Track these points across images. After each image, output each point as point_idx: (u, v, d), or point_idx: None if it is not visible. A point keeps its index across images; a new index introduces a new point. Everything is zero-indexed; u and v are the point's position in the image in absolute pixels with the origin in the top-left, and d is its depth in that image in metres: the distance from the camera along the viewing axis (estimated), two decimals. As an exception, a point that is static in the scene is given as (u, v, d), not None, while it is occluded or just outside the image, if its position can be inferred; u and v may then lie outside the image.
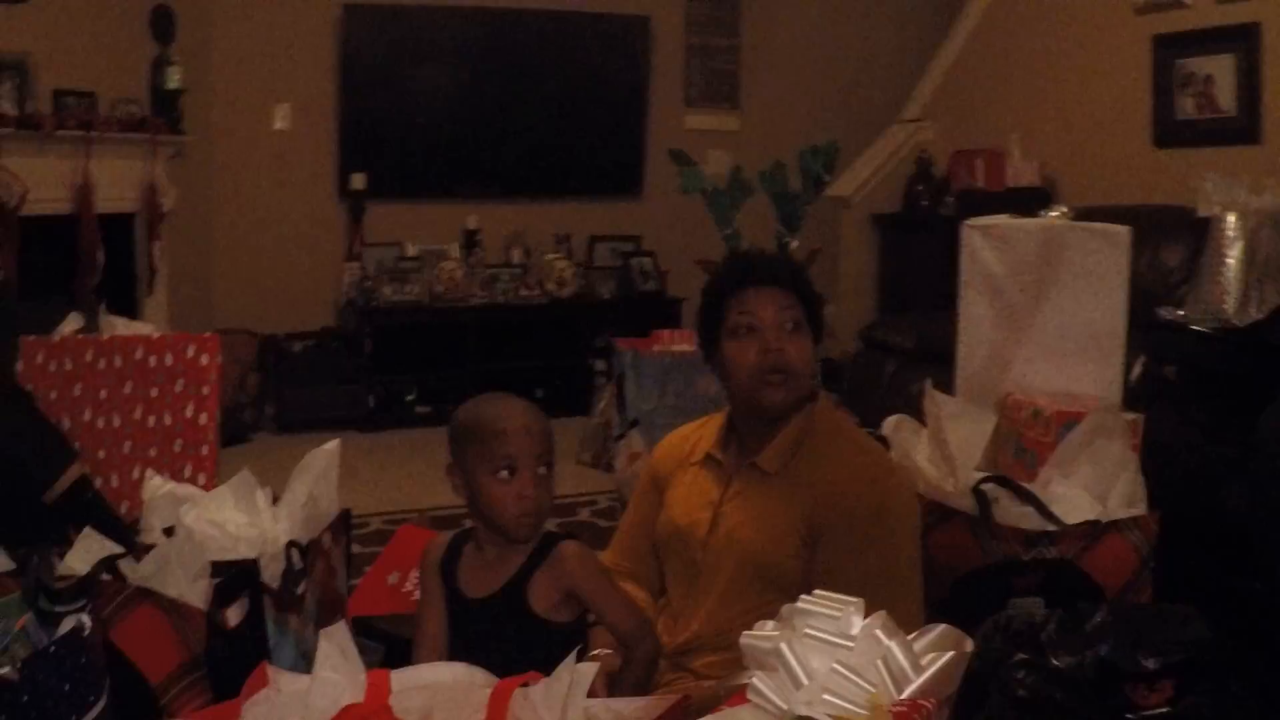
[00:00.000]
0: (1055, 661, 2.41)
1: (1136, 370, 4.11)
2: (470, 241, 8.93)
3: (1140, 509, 3.23)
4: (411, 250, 8.79)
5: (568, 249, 9.16)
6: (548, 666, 1.91)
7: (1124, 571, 3.13)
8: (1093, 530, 3.13)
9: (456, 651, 2.27)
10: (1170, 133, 6.58)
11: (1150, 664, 2.35)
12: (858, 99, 9.32)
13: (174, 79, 7.58)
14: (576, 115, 9.10)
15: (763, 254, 3.21)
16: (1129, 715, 2.30)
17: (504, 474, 2.52)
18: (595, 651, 2.69)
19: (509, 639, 2.50)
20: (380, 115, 8.65)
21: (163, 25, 7.62)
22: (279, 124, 8.53)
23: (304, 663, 2.60)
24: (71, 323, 4.33)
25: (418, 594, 3.59)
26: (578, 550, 2.63)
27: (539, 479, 2.57)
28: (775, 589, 2.72)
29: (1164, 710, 2.31)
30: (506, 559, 2.58)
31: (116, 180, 7.16)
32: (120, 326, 4.30)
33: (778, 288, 2.93)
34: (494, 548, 2.59)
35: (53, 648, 2.12)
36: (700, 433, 3.17)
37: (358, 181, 8.60)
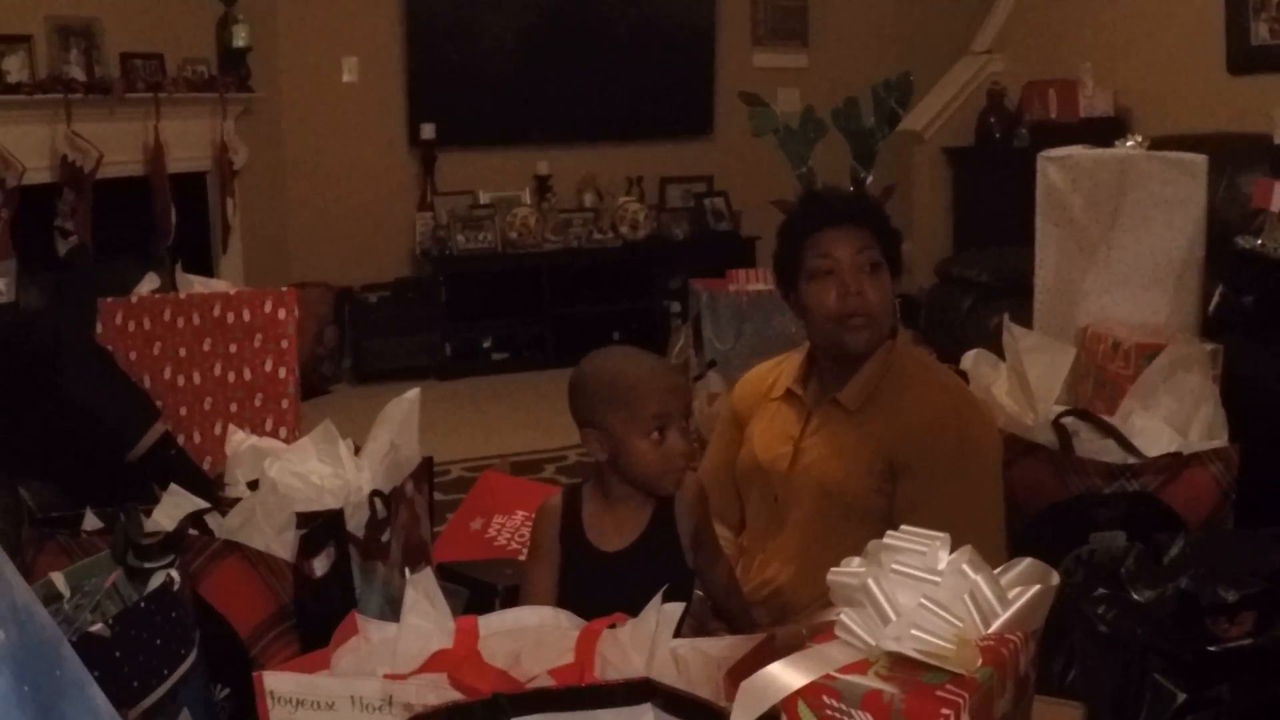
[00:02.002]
0: (1136, 595, 2.41)
1: (1215, 300, 4.08)
2: (542, 187, 8.93)
3: (1221, 440, 3.21)
4: (484, 198, 8.80)
5: (640, 191, 9.13)
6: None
7: (1205, 504, 3.11)
8: (1174, 463, 3.11)
9: (592, 605, 2.21)
10: (1245, 59, 6.47)
11: (1230, 596, 2.34)
12: (927, 32, 9.22)
13: (240, 37, 7.60)
14: (645, 57, 9.06)
15: (837, 192, 3.19)
16: (1211, 648, 2.29)
17: (655, 435, 2.47)
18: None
19: (656, 587, 2.46)
20: (448, 64, 8.65)
21: (227, -16, 7.65)
22: (347, 77, 8.54)
23: (390, 610, 2.62)
24: (148, 283, 4.37)
25: (501, 539, 3.63)
26: (699, 482, 2.62)
27: (685, 433, 2.54)
28: (856, 523, 2.73)
29: (1246, 642, 2.30)
30: (640, 509, 2.55)
31: (187, 140, 7.22)
32: (197, 285, 4.33)
33: (854, 227, 2.91)
34: (627, 501, 2.55)
35: (143, 603, 2.15)
36: (780, 369, 3.17)
37: (427, 131, 8.61)
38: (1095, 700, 2.35)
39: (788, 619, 2.78)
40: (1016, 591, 1.53)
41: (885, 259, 2.92)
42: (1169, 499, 3.10)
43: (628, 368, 2.54)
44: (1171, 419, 3.27)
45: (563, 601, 2.48)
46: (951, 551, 1.57)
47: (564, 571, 2.53)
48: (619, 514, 2.55)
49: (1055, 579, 1.59)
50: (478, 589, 3.14)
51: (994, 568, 1.60)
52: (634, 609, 1.92)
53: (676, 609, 1.87)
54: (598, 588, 2.48)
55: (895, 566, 1.51)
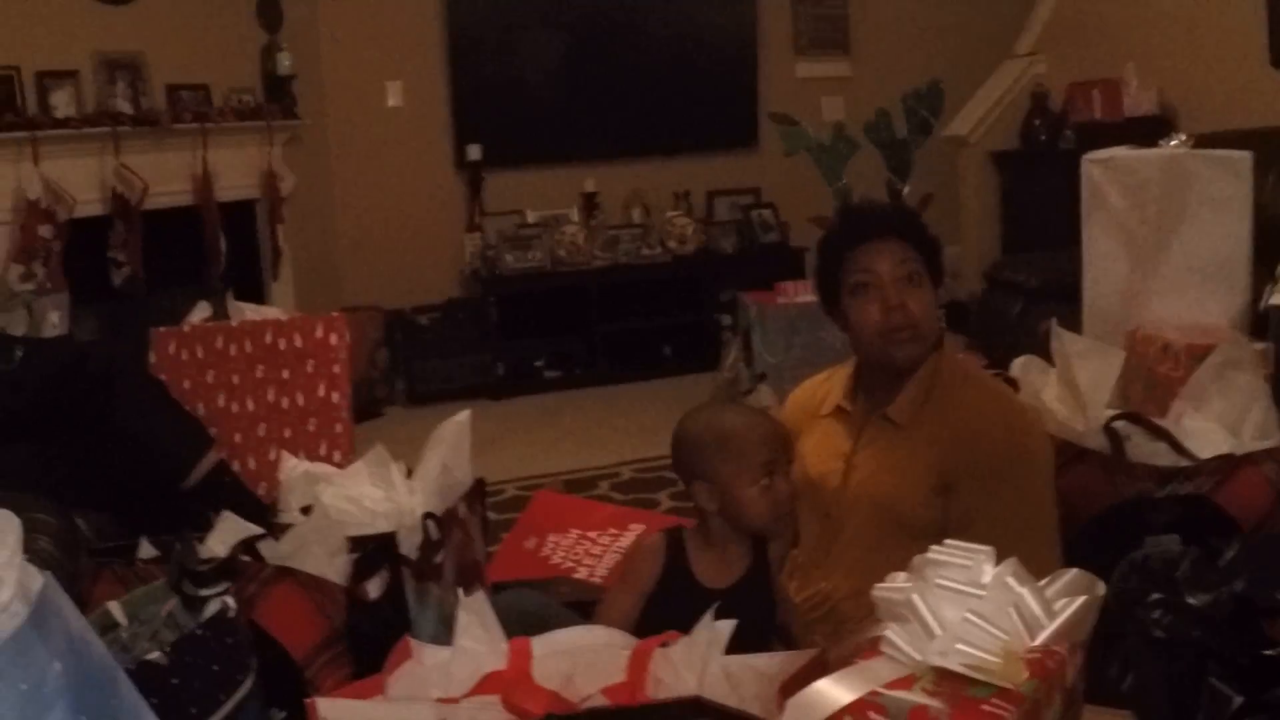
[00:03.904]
0: (1191, 600, 2.39)
1: (1265, 298, 4.05)
2: (589, 204, 8.95)
3: (1274, 440, 3.18)
4: (531, 217, 8.82)
5: (687, 205, 9.13)
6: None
7: (1260, 504, 3.08)
8: (1227, 464, 3.08)
9: None
10: (1288, 51, 6.44)
11: (1287, 599, 2.32)
12: (969, 36, 9.19)
13: (285, 64, 7.65)
14: (687, 70, 9.07)
15: (874, 205, 3.19)
16: (1267, 651, 2.28)
17: (764, 482, 2.53)
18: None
19: (757, 621, 2.51)
20: (492, 84, 8.68)
21: (270, 13, 7.69)
22: (392, 101, 8.59)
23: (445, 631, 2.62)
24: (200, 311, 4.40)
25: (555, 558, 3.64)
26: None
27: (789, 478, 2.60)
28: (910, 538, 2.71)
29: (1305, 647, 2.28)
30: (741, 549, 2.61)
31: (235, 168, 7.27)
32: (248, 312, 4.36)
33: (892, 239, 2.90)
34: (730, 544, 2.60)
35: (199, 630, 2.17)
36: (828, 384, 3.16)
37: (474, 152, 8.64)
38: (1151, 705, 2.34)
39: (844, 634, 2.78)
40: (1062, 603, 1.53)
41: (926, 269, 2.92)
42: (1223, 501, 3.07)
43: (732, 420, 2.61)
44: (1223, 420, 3.25)
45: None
46: (1008, 560, 1.57)
47: (669, 608, 2.54)
48: (723, 555, 2.61)
49: (1101, 589, 1.59)
50: (532, 608, 3.14)
51: (1049, 575, 1.60)
52: (737, 642, 1.93)
53: (727, 625, 1.87)
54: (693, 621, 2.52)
55: (940, 581, 1.51)
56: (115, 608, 2.33)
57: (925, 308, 2.89)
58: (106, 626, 2.28)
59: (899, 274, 2.87)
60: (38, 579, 1.26)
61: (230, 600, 2.27)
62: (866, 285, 2.88)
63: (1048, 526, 2.85)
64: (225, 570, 2.47)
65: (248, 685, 2.23)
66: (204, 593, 2.39)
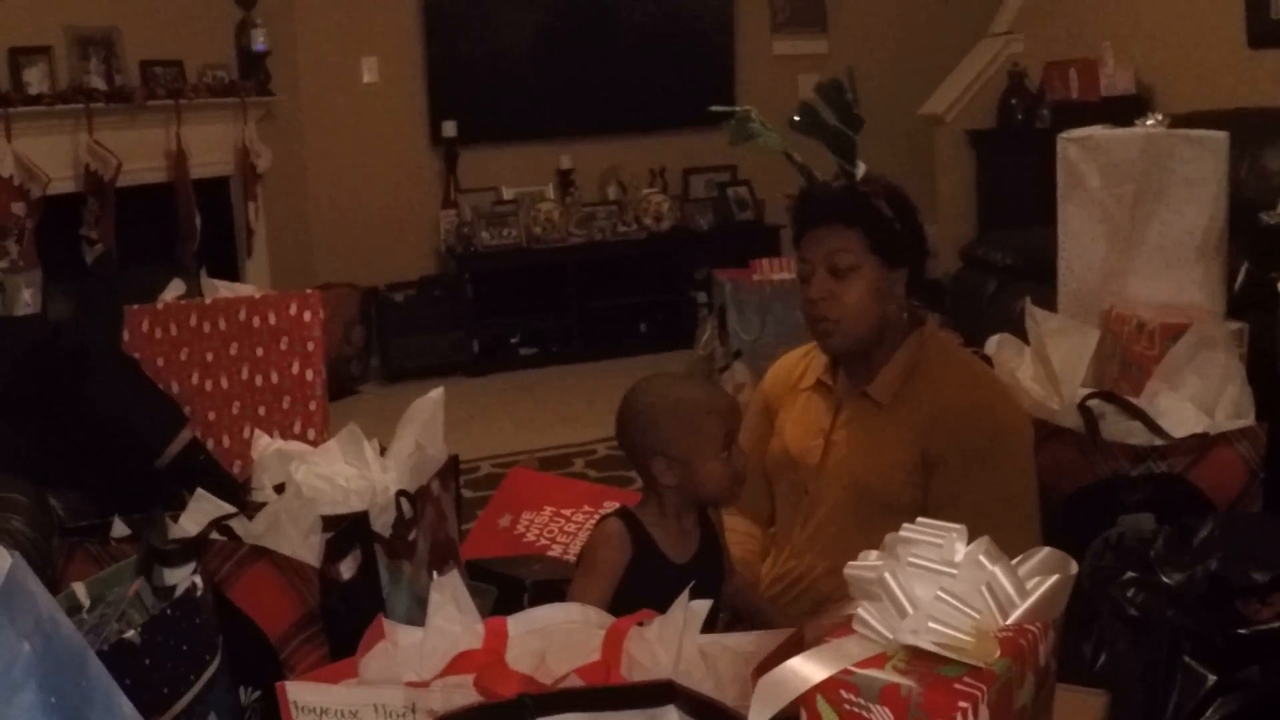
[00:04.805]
0: (1165, 578, 2.40)
1: (1240, 278, 4.04)
2: (565, 181, 8.95)
3: (1248, 419, 3.19)
4: (507, 194, 8.83)
5: (663, 183, 9.14)
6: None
7: (1234, 484, 3.09)
8: (1201, 443, 3.08)
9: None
10: (1265, 32, 6.43)
11: (1261, 577, 2.33)
12: (946, 14, 9.21)
13: (259, 41, 7.63)
14: (664, 47, 9.08)
15: (821, 189, 3.08)
16: (1241, 630, 2.28)
17: (724, 453, 2.53)
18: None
19: (718, 587, 2.57)
20: (467, 61, 8.68)
21: (244, -11, 7.69)
22: (367, 77, 8.58)
23: (419, 609, 2.62)
24: (174, 289, 4.37)
25: (530, 535, 3.64)
26: None
27: (741, 448, 2.61)
28: (888, 517, 2.70)
29: (1277, 624, 2.29)
30: (692, 521, 2.61)
31: (209, 145, 7.26)
32: (222, 289, 4.33)
33: (833, 226, 2.86)
34: (682, 517, 2.60)
35: (169, 610, 2.16)
36: (809, 359, 3.14)
37: (449, 129, 8.64)
38: (1125, 683, 2.34)
39: (820, 611, 2.77)
40: (1035, 581, 1.52)
41: (880, 252, 2.85)
42: (1197, 480, 3.07)
43: (689, 395, 2.59)
44: (1198, 399, 3.25)
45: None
46: (981, 539, 1.57)
47: (643, 587, 2.54)
48: (679, 528, 2.60)
49: (1074, 568, 1.59)
50: (506, 585, 3.14)
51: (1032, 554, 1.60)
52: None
53: (703, 605, 1.87)
54: (666, 597, 2.51)
55: (911, 559, 1.51)
56: (80, 589, 2.31)
57: (856, 298, 2.83)
58: (72, 608, 2.27)
59: (831, 263, 2.83)
60: (6, 558, 1.24)
61: (198, 580, 2.25)
62: (806, 276, 2.87)
63: (1028, 507, 2.85)
64: (192, 549, 2.46)
65: (215, 665, 2.22)
66: (170, 573, 2.38)
